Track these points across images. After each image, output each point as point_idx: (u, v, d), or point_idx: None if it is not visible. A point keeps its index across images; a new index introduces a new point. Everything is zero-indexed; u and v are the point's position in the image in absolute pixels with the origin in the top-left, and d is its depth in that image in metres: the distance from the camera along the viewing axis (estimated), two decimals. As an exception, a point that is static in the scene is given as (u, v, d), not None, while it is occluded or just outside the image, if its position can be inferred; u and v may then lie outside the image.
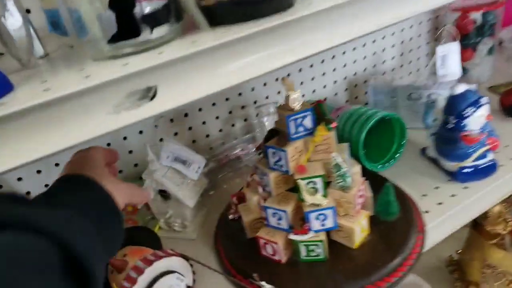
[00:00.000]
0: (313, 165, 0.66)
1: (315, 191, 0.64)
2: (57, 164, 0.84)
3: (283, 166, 0.65)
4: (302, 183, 0.63)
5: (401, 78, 1.07)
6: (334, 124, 0.64)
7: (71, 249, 0.35)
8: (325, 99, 1.13)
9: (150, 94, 0.38)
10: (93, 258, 0.36)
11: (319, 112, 0.66)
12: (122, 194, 0.48)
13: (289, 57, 0.45)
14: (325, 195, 0.64)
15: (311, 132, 0.65)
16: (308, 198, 0.63)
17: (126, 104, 0.37)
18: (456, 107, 0.77)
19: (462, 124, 0.76)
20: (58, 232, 0.35)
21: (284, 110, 0.65)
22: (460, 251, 1.13)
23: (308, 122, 0.64)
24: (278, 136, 0.66)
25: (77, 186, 0.44)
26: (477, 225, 1.02)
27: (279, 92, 1.05)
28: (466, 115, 0.75)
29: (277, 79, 1.03)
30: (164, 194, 0.79)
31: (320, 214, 0.64)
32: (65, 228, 0.36)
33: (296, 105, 0.63)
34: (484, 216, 0.98)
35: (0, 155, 0.33)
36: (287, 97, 0.63)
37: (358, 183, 0.68)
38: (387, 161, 0.92)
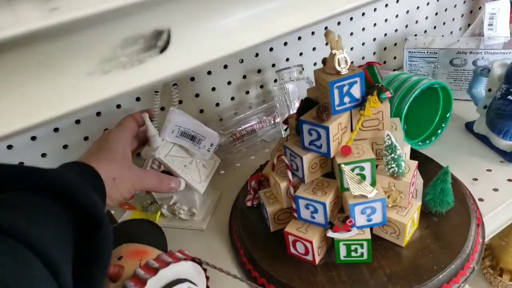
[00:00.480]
0: (360, 146, 0.52)
1: (362, 178, 0.51)
2: (56, 129, 0.71)
3: (322, 147, 0.52)
4: (346, 169, 0.50)
5: (437, 41, 0.93)
6: (389, 94, 0.51)
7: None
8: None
9: (159, 42, 0.24)
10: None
11: (370, 78, 0.52)
12: (127, 180, 0.51)
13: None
14: (373, 184, 0.51)
15: (359, 104, 0.51)
16: (355, 188, 0.50)
17: (121, 59, 0.23)
18: (525, 75, 0.63)
19: (531, 96, 0.63)
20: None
21: (326, 74, 0.50)
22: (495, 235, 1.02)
23: (356, 90, 0.50)
24: (317, 109, 0.52)
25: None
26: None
27: (301, 54, 0.90)
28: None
29: (299, 38, 0.88)
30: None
31: (367, 208, 0.51)
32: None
33: (343, 69, 0.49)
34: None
35: None
36: (331, 57, 0.49)
37: (412, 167, 0.55)
38: (428, 138, 0.79)
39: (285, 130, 0.75)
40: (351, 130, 0.54)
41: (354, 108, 0.52)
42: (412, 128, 0.78)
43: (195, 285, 0.48)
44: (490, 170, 0.71)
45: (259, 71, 0.87)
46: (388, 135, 0.51)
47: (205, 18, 0.25)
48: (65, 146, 0.74)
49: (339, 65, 0.49)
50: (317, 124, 0.50)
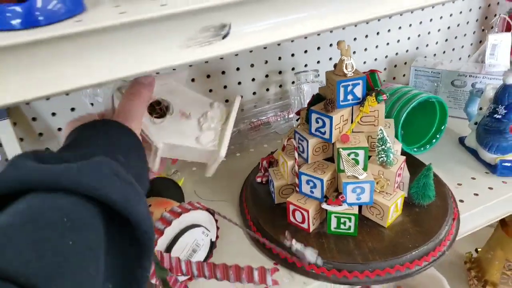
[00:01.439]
0: (357, 136, 0.63)
1: (355, 163, 0.61)
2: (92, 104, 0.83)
3: (325, 134, 0.62)
4: (343, 153, 0.61)
5: (444, 64, 1.03)
6: (385, 97, 0.61)
7: (108, 200, 0.33)
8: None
9: (223, 32, 0.35)
10: (131, 202, 0.34)
11: (370, 82, 0.63)
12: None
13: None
14: (365, 168, 0.62)
15: (360, 102, 0.62)
16: (349, 170, 0.61)
17: (199, 39, 0.34)
18: (509, 96, 0.73)
19: (513, 115, 0.73)
20: (92, 187, 0.32)
21: (335, 75, 0.62)
22: (481, 249, 1.11)
23: (358, 90, 0.61)
24: (326, 103, 0.63)
25: (103, 128, 0.44)
26: (505, 223, 0.99)
27: (318, 62, 1.01)
28: (518, 106, 0.72)
29: (318, 48, 1.00)
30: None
31: (357, 187, 0.62)
32: (97, 180, 0.33)
33: (349, 72, 0.60)
34: (513, 214, 0.95)
35: (75, 72, 0.31)
36: (340, 62, 0.60)
37: (399, 161, 0.65)
38: (423, 145, 0.89)
39: (297, 120, 0.86)
40: (351, 122, 0.64)
41: (355, 105, 0.63)
42: (410, 135, 0.88)
43: (208, 231, 0.59)
44: (474, 178, 0.80)
45: (280, 72, 0.98)
46: (381, 129, 0.61)
47: (253, 19, 0.37)
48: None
49: (346, 68, 0.60)
50: (323, 114, 0.61)
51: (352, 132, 0.64)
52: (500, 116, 0.75)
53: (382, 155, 0.62)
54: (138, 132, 0.46)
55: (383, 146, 0.62)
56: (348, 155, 0.61)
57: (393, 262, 0.61)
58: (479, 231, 1.01)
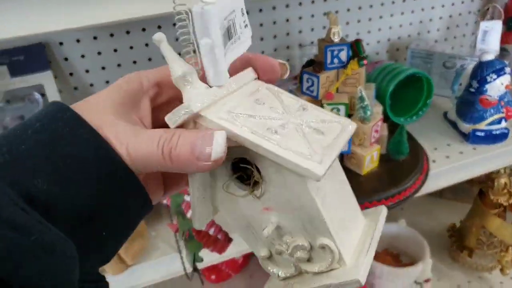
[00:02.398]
0: (340, 95, 0.75)
1: (337, 116, 0.74)
2: (112, 35, 0.93)
3: (314, 92, 0.75)
4: (327, 108, 0.73)
5: (439, 47, 1.13)
6: (365, 62, 0.73)
7: None
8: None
9: None
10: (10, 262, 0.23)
11: (355, 49, 0.75)
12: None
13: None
14: (345, 122, 0.74)
15: (344, 66, 0.74)
16: (330, 120, 0.73)
17: None
18: (481, 72, 0.84)
19: (483, 88, 0.84)
20: None
21: (324, 41, 0.74)
22: (463, 219, 1.22)
23: (343, 55, 0.73)
24: (315, 65, 0.76)
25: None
26: (482, 194, 1.10)
27: (323, 40, 1.13)
28: (488, 80, 0.83)
29: (324, 27, 1.11)
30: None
31: (337, 137, 0.74)
32: None
33: (336, 38, 0.72)
34: (490, 186, 1.06)
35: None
36: (329, 30, 0.72)
37: (376, 118, 0.77)
38: (410, 117, 1.00)
39: (295, 84, 0.98)
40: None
41: (340, 68, 0.75)
42: (399, 106, 0.99)
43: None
44: (449, 145, 0.92)
45: (287, 47, 1.11)
46: (360, 89, 0.73)
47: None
48: (115, 49, 0.95)
49: (333, 36, 0.72)
50: (312, 74, 0.74)
51: (337, 92, 0.76)
52: (473, 90, 0.86)
53: (361, 112, 0.75)
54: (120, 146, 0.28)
55: (361, 104, 0.74)
56: (331, 110, 0.74)
57: (364, 200, 0.73)
58: (467, 208, 1.13)
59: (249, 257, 1.17)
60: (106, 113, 0.29)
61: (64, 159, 0.26)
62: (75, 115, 0.28)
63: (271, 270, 0.34)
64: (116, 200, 0.28)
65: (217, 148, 0.27)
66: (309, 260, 0.32)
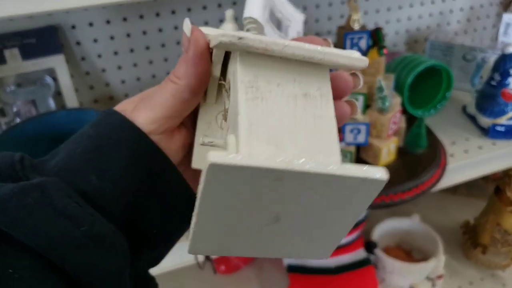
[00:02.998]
0: (358, 84, 0.73)
1: (355, 106, 0.72)
2: (125, 19, 0.91)
3: (332, 80, 0.73)
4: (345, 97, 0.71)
5: (459, 39, 1.10)
6: (385, 51, 0.71)
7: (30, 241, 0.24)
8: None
9: None
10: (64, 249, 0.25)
11: (376, 38, 0.72)
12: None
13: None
14: (363, 112, 0.72)
15: (363, 54, 0.72)
16: (347, 110, 0.71)
17: None
18: (504, 64, 0.82)
19: (506, 81, 0.81)
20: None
21: (344, 29, 0.72)
22: (477, 216, 1.19)
23: (363, 43, 0.71)
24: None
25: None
26: (499, 190, 1.07)
27: (340, 29, 1.11)
28: (511, 73, 0.80)
29: (342, 16, 1.09)
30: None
31: (354, 128, 0.72)
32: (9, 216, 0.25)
33: (356, 26, 0.70)
34: (507, 182, 1.03)
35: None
36: (348, 17, 0.70)
37: (395, 109, 0.75)
38: (428, 109, 0.98)
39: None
40: (355, 73, 0.74)
41: (359, 57, 0.73)
42: (418, 99, 0.97)
43: None
44: (468, 139, 0.89)
45: (304, 35, 1.08)
46: (379, 80, 0.71)
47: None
48: (128, 34, 0.93)
49: (353, 23, 0.70)
50: (330, 62, 0.71)
51: (355, 81, 0.74)
52: (495, 83, 0.84)
53: (379, 102, 0.72)
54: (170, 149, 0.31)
55: (380, 94, 0.72)
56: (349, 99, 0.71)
57: (381, 193, 0.71)
58: (482, 205, 1.11)
59: (258, 248, 1.15)
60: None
61: (113, 159, 0.29)
62: (122, 117, 0.30)
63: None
64: (164, 198, 0.30)
65: (186, 23, 0.29)
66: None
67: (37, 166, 0.29)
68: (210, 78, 0.31)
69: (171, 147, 0.31)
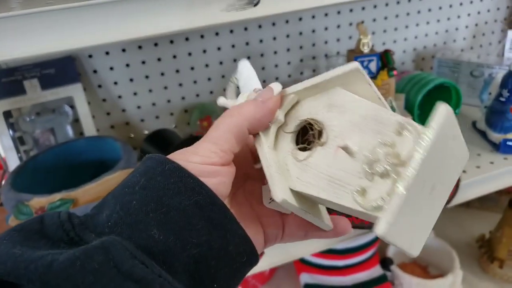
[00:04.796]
0: (369, 105, 0.75)
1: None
2: (140, 47, 0.94)
3: (343, 102, 0.75)
4: (357, 118, 0.73)
5: (466, 56, 1.12)
6: (395, 72, 0.73)
7: None
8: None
9: (254, 1, 0.49)
10: None
11: (385, 60, 0.75)
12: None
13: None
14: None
15: (374, 77, 0.74)
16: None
17: (236, 6, 0.48)
18: (511, 81, 0.83)
19: (514, 97, 0.83)
20: None
21: (354, 52, 0.74)
22: (493, 230, 1.19)
23: (373, 66, 0.73)
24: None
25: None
26: (513, 204, 1.08)
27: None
28: (519, 89, 0.81)
29: (350, 37, 1.11)
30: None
31: (367, 148, 0.74)
32: None
33: (366, 49, 0.72)
34: (521, 196, 1.04)
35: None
36: (358, 41, 0.72)
37: (406, 129, 0.77)
38: (437, 126, 0.99)
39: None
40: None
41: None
42: (427, 116, 0.98)
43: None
44: (479, 155, 0.90)
45: (313, 57, 1.11)
46: (390, 100, 0.73)
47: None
48: (143, 61, 0.97)
49: (363, 47, 0.72)
50: (342, 85, 0.74)
51: (367, 102, 0.76)
52: (504, 99, 0.85)
53: (391, 122, 0.74)
54: (222, 181, 0.31)
55: (392, 114, 0.73)
56: (361, 120, 0.73)
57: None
58: (495, 218, 1.11)
59: (275, 269, 1.16)
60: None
61: (173, 209, 0.27)
62: (177, 165, 0.29)
63: (370, 205, 0.30)
64: (223, 247, 0.29)
65: (276, 85, 0.35)
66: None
67: (87, 223, 0.28)
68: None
69: (215, 181, 0.30)
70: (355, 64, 0.32)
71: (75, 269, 0.23)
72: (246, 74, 0.38)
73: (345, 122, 0.33)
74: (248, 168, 0.37)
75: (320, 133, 0.34)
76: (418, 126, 0.31)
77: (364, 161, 0.31)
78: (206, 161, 0.30)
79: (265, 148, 0.33)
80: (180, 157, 0.30)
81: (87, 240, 0.26)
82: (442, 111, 0.30)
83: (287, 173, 0.33)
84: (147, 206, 0.27)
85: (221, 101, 0.38)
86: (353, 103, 0.33)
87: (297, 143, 0.35)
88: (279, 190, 0.31)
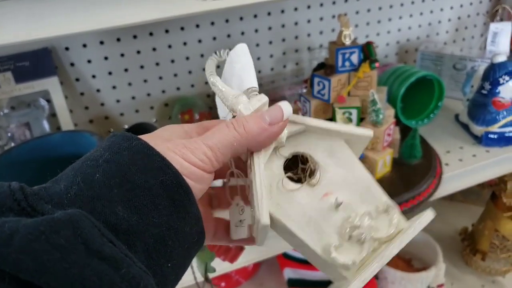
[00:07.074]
0: (352, 98, 0.74)
1: (349, 120, 0.72)
2: (118, 39, 0.91)
3: (325, 95, 0.74)
4: (339, 111, 0.72)
5: (449, 49, 1.12)
6: (377, 64, 0.72)
7: None
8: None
9: None
10: None
11: (367, 52, 0.73)
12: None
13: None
14: (357, 126, 0.73)
15: (355, 69, 0.73)
16: (342, 124, 0.72)
17: None
18: (493, 73, 0.83)
19: (496, 90, 0.82)
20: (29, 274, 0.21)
21: (335, 44, 0.73)
22: (475, 223, 1.20)
23: (354, 58, 0.72)
24: (326, 68, 0.74)
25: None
26: (495, 196, 1.08)
27: (332, 42, 1.12)
28: (500, 82, 0.81)
29: (333, 30, 1.10)
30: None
31: (350, 141, 0.73)
32: (37, 261, 0.21)
33: (347, 41, 0.71)
34: (503, 188, 1.04)
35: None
36: (340, 33, 0.71)
37: (388, 121, 0.76)
38: (421, 119, 0.99)
39: (305, 87, 0.97)
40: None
41: (352, 71, 0.74)
42: (410, 109, 0.98)
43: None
44: (462, 148, 0.90)
45: (296, 50, 1.10)
46: (372, 93, 0.72)
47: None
48: (122, 54, 0.94)
49: (344, 38, 0.71)
50: (323, 77, 0.72)
51: (349, 96, 0.75)
52: (485, 92, 0.85)
53: (373, 115, 0.73)
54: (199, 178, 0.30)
55: (374, 107, 0.72)
56: (343, 113, 0.72)
57: (377, 205, 0.72)
58: (478, 211, 1.11)
59: (259, 265, 1.15)
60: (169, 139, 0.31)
61: (137, 187, 0.27)
62: (143, 143, 0.29)
63: (342, 262, 0.32)
64: (180, 228, 0.28)
65: (287, 107, 0.33)
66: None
67: (42, 194, 0.25)
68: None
69: (197, 186, 0.30)
70: (370, 133, 0.36)
71: (40, 244, 0.21)
72: (242, 63, 0.36)
73: (339, 175, 0.35)
74: (221, 175, 0.37)
75: (312, 172, 0.35)
76: (401, 219, 0.35)
77: (347, 220, 0.33)
78: (199, 164, 0.30)
79: (261, 167, 0.33)
80: (175, 150, 0.30)
81: (42, 211, 0.24)
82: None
83: (269, 195, 0.33)
84: (110, 180, 0.26)
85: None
86: (352, 162, 0.35)
87: (284, 166, 0.35)
88: (266, 215, 0.31)
